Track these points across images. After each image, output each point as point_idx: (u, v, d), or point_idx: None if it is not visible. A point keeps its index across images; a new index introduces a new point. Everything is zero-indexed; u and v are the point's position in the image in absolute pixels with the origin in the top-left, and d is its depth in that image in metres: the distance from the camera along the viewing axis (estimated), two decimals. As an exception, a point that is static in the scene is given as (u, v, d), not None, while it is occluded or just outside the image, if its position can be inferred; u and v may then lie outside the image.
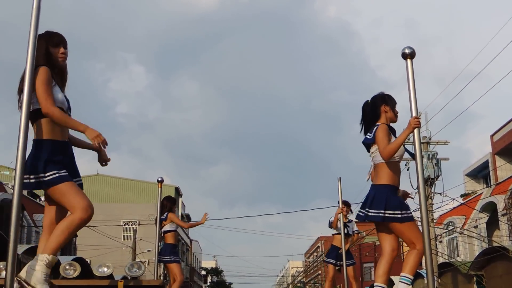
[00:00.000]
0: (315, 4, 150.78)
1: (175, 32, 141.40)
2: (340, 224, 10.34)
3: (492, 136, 30.80)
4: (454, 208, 29.35)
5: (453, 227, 29.41)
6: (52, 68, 4.08)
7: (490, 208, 27.14)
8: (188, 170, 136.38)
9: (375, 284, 5.02)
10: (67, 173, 3.94)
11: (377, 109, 5.31)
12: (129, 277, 6.02)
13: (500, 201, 25.70)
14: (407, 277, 4.93)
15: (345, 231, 10.56)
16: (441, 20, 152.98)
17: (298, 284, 57.27)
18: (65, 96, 4.16)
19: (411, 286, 4.92)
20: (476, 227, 27.28)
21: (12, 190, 26.13)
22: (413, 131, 4.82)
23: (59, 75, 4.18)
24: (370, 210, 4.96)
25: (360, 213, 5.14)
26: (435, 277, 21.51)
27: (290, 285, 55.25)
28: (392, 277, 34.71)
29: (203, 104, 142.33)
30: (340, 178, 10.55)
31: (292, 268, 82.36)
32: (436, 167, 21.79)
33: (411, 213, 5.08)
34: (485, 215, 27.41)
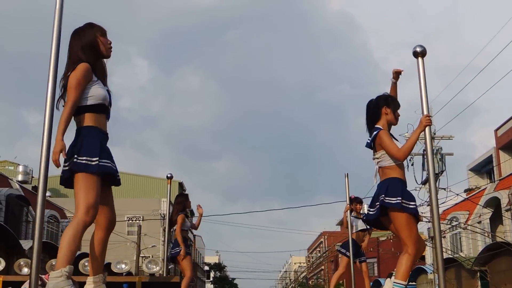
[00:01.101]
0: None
1: (177, 25, 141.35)
2: (348, 221, 10.32)
3: (496, 130, 30.78)
4: (458, 203, 29.36)
5: (457, 222, 29.44)
6: (96, 60, 4.15)
7: (494, 203, 27.16)
8: (190, 164, 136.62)
9: (395, 281, 4.97)
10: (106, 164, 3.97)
11: (378, 110, 5.31)
12: (147, 274, 6.11)
13: (504, 197, 25.72)
14: (399, 284, 4.88)
15: (366, 227, 10.52)
16: (444, 13, 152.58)
17: (302, 280, 57.41)
18: (107, 90, 4.21)
19: None
20: (479, 222, 27.30)
21: (17, 185, 26.08)
22: (424, 129, 4.89)
23: (101, 69, 4.24)
24: (387, 198, 4.94)
25: (369, 212, 5.16)
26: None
27: (293, 282, 55.36)
28: (380, 280, 34.55)
29: (206, 98, 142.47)
30: (347, 174, 10.59)
31: (295, 263, 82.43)
32: (440, 162, 21.86)
33: (416, 208, 5.07)
34: (488, 211, 27.44)
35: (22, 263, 5.47)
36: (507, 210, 25.60)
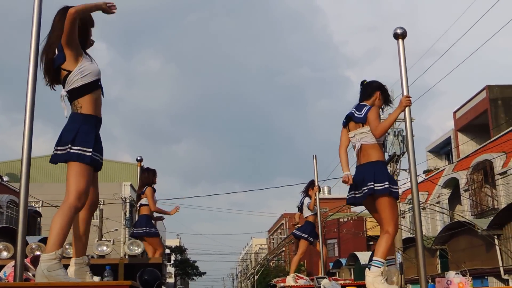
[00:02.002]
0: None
1: (137, 8, 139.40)
2: (317, 203, 10.30)
3: (454, 113, 31.37)
4: (417, 184, 29.82)
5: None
6: (83, 45, 4.15)
7: (452, 184, 27.78)
8: (150, 148, 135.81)
9: (374, 258, 5.10)
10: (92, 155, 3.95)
11: (372, 90, 5.47)
12: (128, 256, 6.06)
13: (462, 177, 26.32)
14: (379, 261, 5.01)
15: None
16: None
17: (263, 262, 57.82)
18: None
19: (382, 268, 5.01)
20: (438, 202, 27.89)
21: None
22: (404, 110, 4.95)
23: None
24: (376, 185, 5.04)
25: (353, 195, 5.25)
26: (400, 251, 21.99)
27: (257, 265, 55.74)
28: (357, 253, 35.03)
29: (166, 81, 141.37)
30: (315, 155, 10.62)
31: (256, 245, 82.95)
32: (402, 143, 22.17)
33: (398, 190, 5.22)
34: (447, 191, 28.05)
35: (1, 247, 5.36)
36: (465, 190, 26.22)
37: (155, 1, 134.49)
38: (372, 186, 5.04)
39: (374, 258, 5.05)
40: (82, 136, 3.89)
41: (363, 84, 5.58)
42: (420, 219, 4.71)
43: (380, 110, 5.57)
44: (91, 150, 3.90)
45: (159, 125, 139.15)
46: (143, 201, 9.11)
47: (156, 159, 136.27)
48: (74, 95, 3.99)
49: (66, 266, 3.76)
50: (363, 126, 5.29)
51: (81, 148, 3.87)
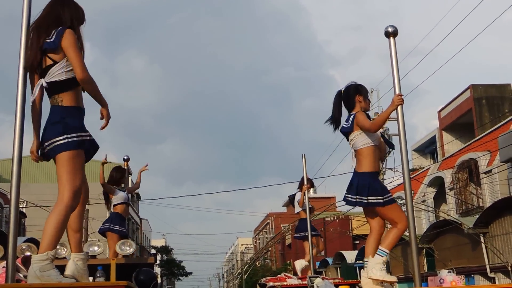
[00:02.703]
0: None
1: (122, 7, 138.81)
2: (306, 202, 10.47)
3: (439, 112, 31.54)
4: (402, 183, 29.98)
5: (402, 200, 30.14)
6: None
7: (437, 182, 27.93)
8: (134, 147, 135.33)
9: (365, 259, 5.20)
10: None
11: (351, 99, 5.51)
12: (121, 256, 6.01)
13: (447, 176, 26.45)
14: (383, 251, 5.17)
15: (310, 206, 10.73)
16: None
17: (248, 261, 57.77)
18: None
19: (384, 257, 5.11)
20: (424, 201, 28.03)
21: None
22: (396, 108, 4.97)
23: (81, 41, 4.12)
24: (370, 199, 5.19)
25: (348, 198, 5.34)
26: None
27: (244, 265, 55.69)
28: (343, 252, 35.08)
29: (150, 81, 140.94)
30: (304, 154, 10.63)
31: (241, 245, 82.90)
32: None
33: (391, 195, 5.31)
34: (433, 190, 28.20)
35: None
36: (450, 189, 26.37)
37: (138, 0, 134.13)
38: (366, 201, 5.22)
39: (380, 247, 5.19)
40: (65, 125, 3.77)
41: (341, 95, 5.61)
42: (413, 218, 4.73)
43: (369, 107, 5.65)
44: (74, 134, 3.77)
45: (144, 124, 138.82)
46: (114, 200, 9.08)
47: (141, 158, 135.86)
48: (55, 88, 3.85)
49: (59, 268, 3.71)
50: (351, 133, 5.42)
51: (66, 136, 3.74)
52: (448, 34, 13.91)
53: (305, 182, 10.54)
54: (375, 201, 5.17)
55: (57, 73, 3.82)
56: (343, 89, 5.60)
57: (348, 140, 5.50)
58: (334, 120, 5.57)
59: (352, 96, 5.49)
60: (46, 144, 3.79)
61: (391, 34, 4.98)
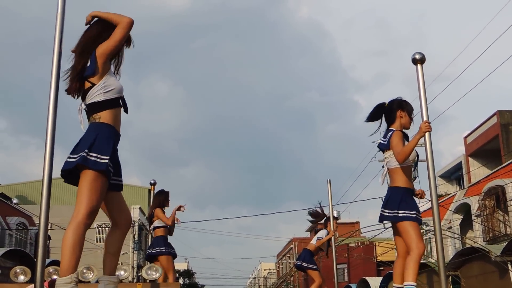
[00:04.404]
0: (288, 4, 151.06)
1: (145, 31, 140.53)
2: (332, 244, 10.35)
3: (465, 138, 31.26)
4: (428, 209, 29.72)
5: (428, 227, 29.79)
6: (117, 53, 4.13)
7: (464, 209, 27.57)
8: (158, 171, 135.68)
9: (394, 284, 5.12)
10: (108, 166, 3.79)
11: (392, 113, 5.41)
12: (147, 280, 6.02)
13: (474, 202, 26.11)
14: (410, 285, 5.02)
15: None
16: (412, 22, 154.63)
17: (271, 286, 57.39)
18: None
19: None
20: (450, 228, 27.66)
21: None
22: (424, 135, 4.94)
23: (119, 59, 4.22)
24: (386, 210, 5.07)
25: (382, 213, 5.25)
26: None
27: (263, 287, 55.30)
28: (367, 278, 34.69)
29: (174, 105, 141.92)
30: (329, 180, 10.58)
31: (264, 269, 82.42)
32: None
33: (420, 216, 5.19)
34: (459, 216, 27.83)
35: (18, 270, 5.33)
36: (477, 216, 26.01)
37: (163, 26, 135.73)
38: (382, 212, 5.20)
39: (405, 283, 5.05)
40: (99, 143, 3.75)
41: (384, 108, 5.55)
42: (442, 245, 4.66)
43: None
44: (107, 157, 3.73)
45: (167, 148, 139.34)
46: (156, 223, 9.04)
47: (164, 182, 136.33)
48: (94, 108, 3.88)
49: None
50: (386, 151, 5.35)
51: (98, 156, 3.71)
52: (475, 60, 13.82)
53: (332, 223, 10.39)
54: (406, 215, 5.06)
55: (96, 94, 3.88)
56: (387, 102, 5.53)
57: (383, 153, 5.43)
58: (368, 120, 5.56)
59: (394, 110, 5.40)
60: (73, 156, 3.75)
61: (418, 61, 4.98)
